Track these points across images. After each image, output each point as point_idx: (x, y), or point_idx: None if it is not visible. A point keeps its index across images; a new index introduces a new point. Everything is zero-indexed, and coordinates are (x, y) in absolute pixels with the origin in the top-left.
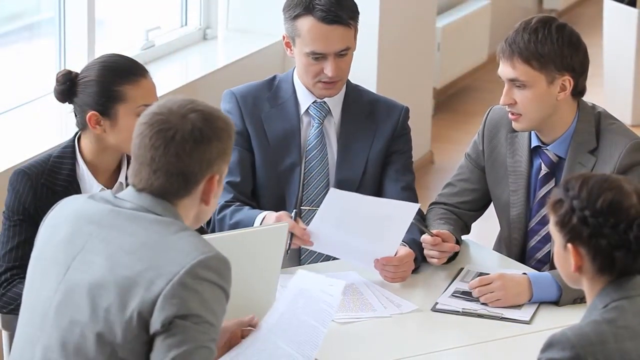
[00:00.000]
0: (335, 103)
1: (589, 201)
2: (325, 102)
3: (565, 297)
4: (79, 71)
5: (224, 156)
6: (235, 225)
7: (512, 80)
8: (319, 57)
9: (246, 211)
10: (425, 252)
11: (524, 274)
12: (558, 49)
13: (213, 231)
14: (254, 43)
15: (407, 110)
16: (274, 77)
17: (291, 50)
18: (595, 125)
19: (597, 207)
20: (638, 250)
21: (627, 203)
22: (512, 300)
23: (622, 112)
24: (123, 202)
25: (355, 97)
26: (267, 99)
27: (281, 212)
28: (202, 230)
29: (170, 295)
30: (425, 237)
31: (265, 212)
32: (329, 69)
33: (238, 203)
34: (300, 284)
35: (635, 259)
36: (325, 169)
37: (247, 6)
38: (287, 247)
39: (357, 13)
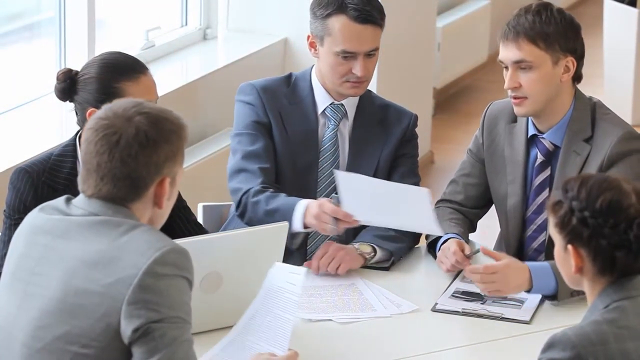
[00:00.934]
0: (351, 106)
1: (588, 202)
2: (342, 105)
3: (563, 290)
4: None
5: (174, 158)
6: (273, 212)
7: (517, 62)
8: (348, 56)
9: (283, 198)
10: (444, 257)
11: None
12: (562, 29)
13: (243, 215)
14: (254, 43)
15: (416, 117)
16: (290, 75)
17: (316, 50)
18: (591, 114)
19: (596, 208)
20: (638, 250)
21: (626, 203)
22: (511, 292)
23: (622, 112)
24: (74, 209)
25: (368, 101)
26: (284, 95)
27: (322, 199)
28: (201, 230)
29: (134, 301)
30: (455, 250)
31: (306, 201)
32: (357, 69)
33: (272, 189)
34: (269, 282)
35: (635, 258)
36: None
37: (247, 6)
38: (336, 233)
39: (384, 14)
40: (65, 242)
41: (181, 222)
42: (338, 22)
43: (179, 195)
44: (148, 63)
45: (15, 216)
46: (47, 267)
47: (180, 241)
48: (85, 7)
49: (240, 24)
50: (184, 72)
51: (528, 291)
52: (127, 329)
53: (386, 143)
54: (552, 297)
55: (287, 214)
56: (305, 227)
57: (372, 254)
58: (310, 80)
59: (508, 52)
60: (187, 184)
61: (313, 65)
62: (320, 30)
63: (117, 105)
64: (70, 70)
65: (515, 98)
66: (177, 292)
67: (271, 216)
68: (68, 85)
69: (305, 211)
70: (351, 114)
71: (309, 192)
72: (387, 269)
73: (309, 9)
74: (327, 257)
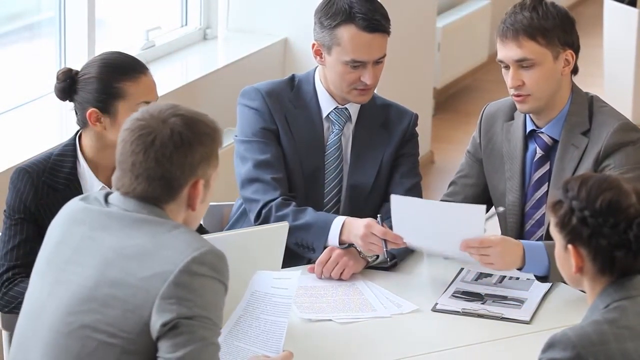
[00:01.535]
0: (354, 109)
1: (588, 201)
2: (346, 109)
3: (555, 271)
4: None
5: (209, 160)
6: (305, 227)
7: (519, 61)
8: (358, 65)
9: (312, 213)
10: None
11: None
12: (560, 22)
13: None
14: (254, 43)
15: (416, 116)
16: (293, 77)
17: (322, 58)
18: (589, 107)
19: (596, 207)
20: (638, 250)
21: (626, 202)
22: (504, 267)
23: (622, 111)
24: (111, 206)
25: (370, 102)
26: (289, 98)
27: (369, 220)
28: (201, 230)
29: (167, 296)
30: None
31: (341, 218)
32: (367, 77)
33: (294, 202)
34: (252, 287)
35: (635, 258)
36: (340, 175)
37: (247, 6)
38: (385, 255)
39: (389, 20)
40: (103, 234)
41: None
42: (347, 32)
43: None
44: (148, 63)
45: (15, 216)
46: (83, 257)
47: None
48: (85, 7)
49: (240, 24)
50: (184, 72)
51: (520, 269)
52: (156, 323)
53: (388, 144)
54: (543, 278)
55: (322, 230)
56: (341, 243)
57: (375, 257)
58: (314, 84)
59: (508, 52)
60: None
61: (316, 68)
62: (328, 40)
63: (153, 107)
64: (70, 70)
65: (518, 96)
66: (211, 294)
67: (304, 231)
68: (68, 85)
69: (341, 228)
70: (354, 117)
71: (316, 197)
72: (387, 269)
73: (313, 15)
74: (331, 262)
